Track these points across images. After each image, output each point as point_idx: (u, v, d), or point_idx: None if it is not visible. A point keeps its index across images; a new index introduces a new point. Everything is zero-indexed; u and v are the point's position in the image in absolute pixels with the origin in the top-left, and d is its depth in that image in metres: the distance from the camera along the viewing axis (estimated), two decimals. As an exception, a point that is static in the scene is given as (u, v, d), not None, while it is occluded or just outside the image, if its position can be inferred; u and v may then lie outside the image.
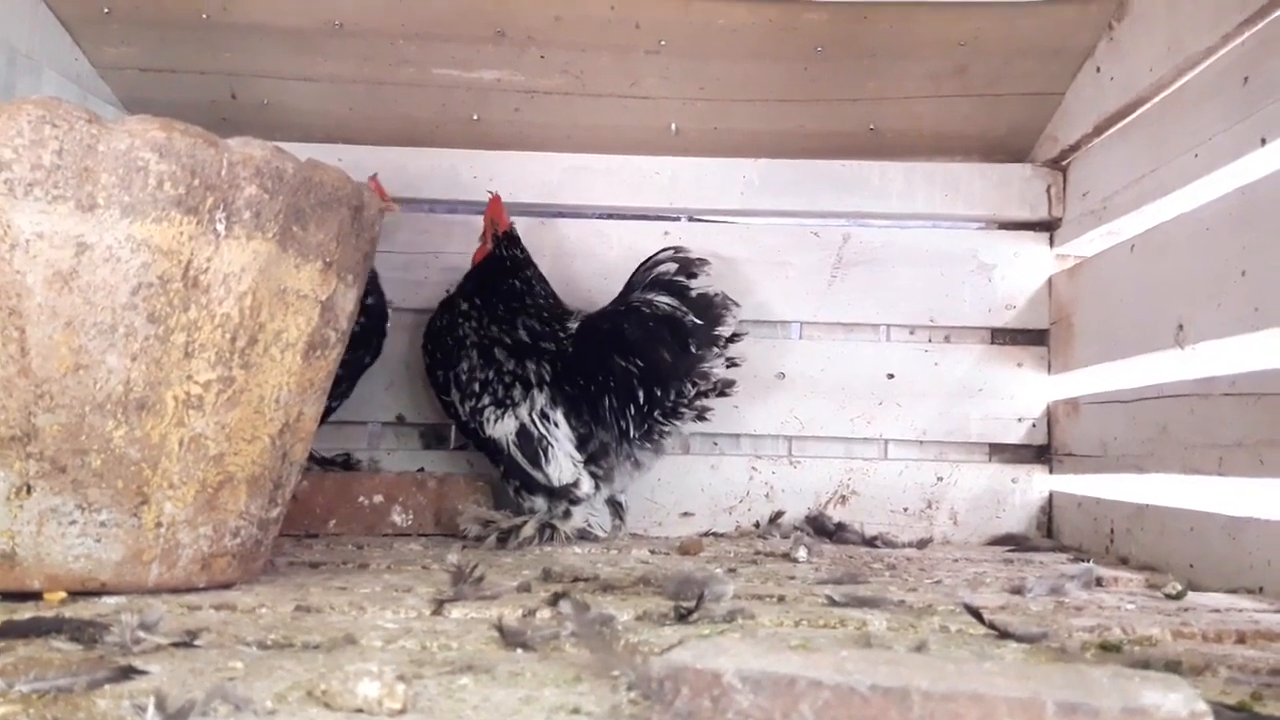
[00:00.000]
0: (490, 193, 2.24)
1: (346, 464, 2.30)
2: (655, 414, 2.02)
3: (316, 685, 0.85)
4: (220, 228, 1.24)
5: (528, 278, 2.20)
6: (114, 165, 1.17)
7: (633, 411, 2.01)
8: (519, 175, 2.42)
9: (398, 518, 2.15)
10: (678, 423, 2.05)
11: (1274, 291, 1.53)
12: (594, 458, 2.04)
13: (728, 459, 2.39)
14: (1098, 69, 2.11)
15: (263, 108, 2.33)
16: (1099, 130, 2.14)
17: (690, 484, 2.36)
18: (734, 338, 2.05)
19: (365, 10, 2.09)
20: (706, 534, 2.30)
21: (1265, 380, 1.56)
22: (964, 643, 1.14)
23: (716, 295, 2.03)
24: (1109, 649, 1.12)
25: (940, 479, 2.36)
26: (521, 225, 2.25)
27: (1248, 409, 1.59)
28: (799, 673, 0.68)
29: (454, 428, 2.38)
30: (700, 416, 2.07)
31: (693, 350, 2.00)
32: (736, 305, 2.05)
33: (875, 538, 2.19)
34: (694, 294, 2.02)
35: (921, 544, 2.19)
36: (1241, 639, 1.21)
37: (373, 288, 2.17)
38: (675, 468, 2.34)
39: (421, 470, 2.29)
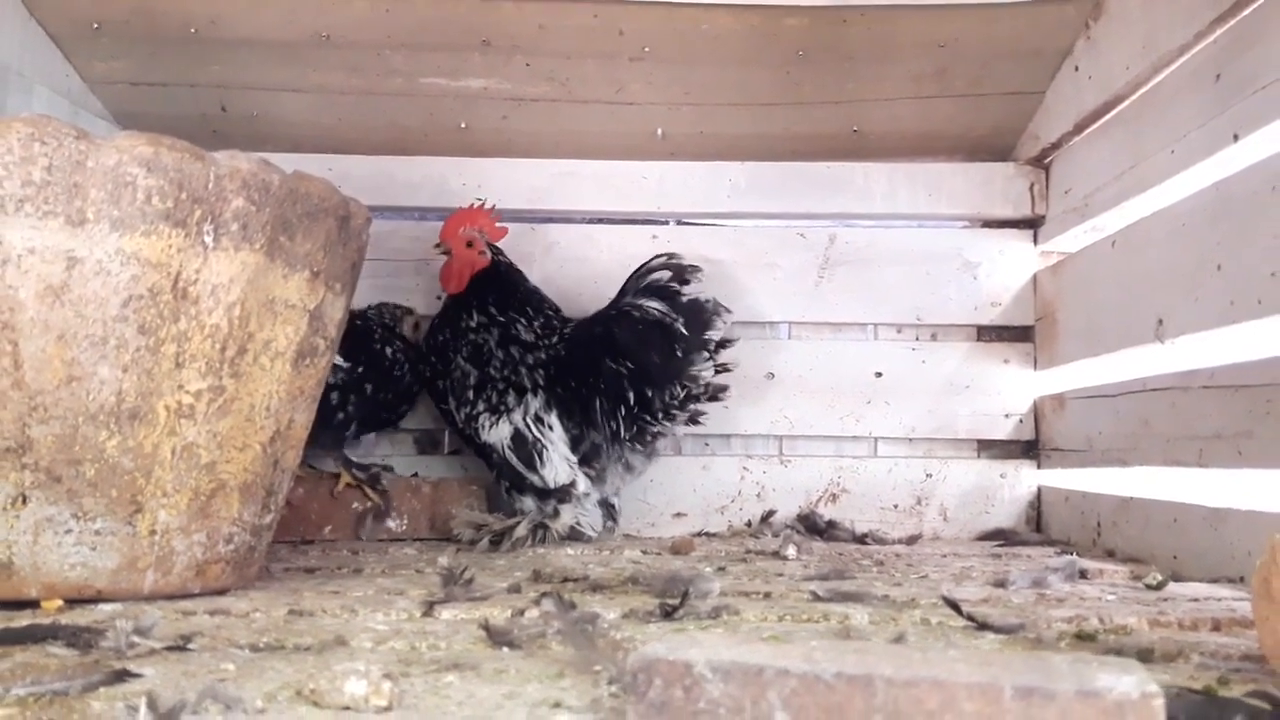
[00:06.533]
0: (477, 200, 2.25)
1: (375, 481, 2.18)
2: (645, 416, 2.05)
3: (305, 685, 0.87)
4: (208, 240, 1.26)
5: (527, 288, 2.22)
6: (103, 180, 1.20)
7: (623, 413, 2.05)
8: (507, 182, 2.44)
9: (392, 523, 2.17)
10: (669, 424, 2.07)
11: (1249, 285, 1.55)
12: (586, 459, 2.08)
13: (719, 459, 2.41)
14: (1076, 68, 2.13)
15: (253, 120, 2.35)
16: (1079, 128, 2.17)
17: (682, 484, 2.38)
18: (724, 343, 2.08)
19: (351, 22, 2.11)
20: (699, 534, 2.32)
21: (1242, 372, 1.59)
22: (942, 635, 1.16)
23: (708, 301, 2.06)
24: (1084, 638, 1.14)
25: (929, 476, 2.38)
26: (511, 231, 2.26)
27: (1226, 401, 1.62)
28: (767, 662, 0.70)
29: (447, 433, 2.41)
30: (693, 420, 2.10)
31: (680, 354, 2.03)
32: (728, 311, 2.07)
33: (865, 535, 2.22)
34: (684, 299, 2.04)
35: (911, 540, 2.21)
36: (1216, 627, 1.23)
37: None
38: (667, 468, 2.36)
39: (415, 475, 2.31)
